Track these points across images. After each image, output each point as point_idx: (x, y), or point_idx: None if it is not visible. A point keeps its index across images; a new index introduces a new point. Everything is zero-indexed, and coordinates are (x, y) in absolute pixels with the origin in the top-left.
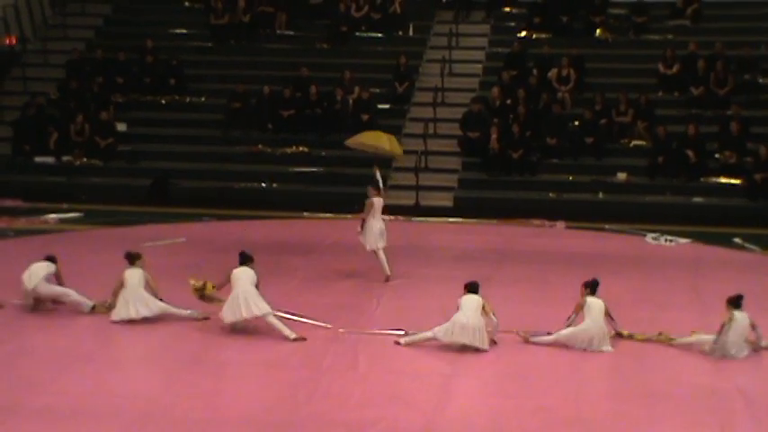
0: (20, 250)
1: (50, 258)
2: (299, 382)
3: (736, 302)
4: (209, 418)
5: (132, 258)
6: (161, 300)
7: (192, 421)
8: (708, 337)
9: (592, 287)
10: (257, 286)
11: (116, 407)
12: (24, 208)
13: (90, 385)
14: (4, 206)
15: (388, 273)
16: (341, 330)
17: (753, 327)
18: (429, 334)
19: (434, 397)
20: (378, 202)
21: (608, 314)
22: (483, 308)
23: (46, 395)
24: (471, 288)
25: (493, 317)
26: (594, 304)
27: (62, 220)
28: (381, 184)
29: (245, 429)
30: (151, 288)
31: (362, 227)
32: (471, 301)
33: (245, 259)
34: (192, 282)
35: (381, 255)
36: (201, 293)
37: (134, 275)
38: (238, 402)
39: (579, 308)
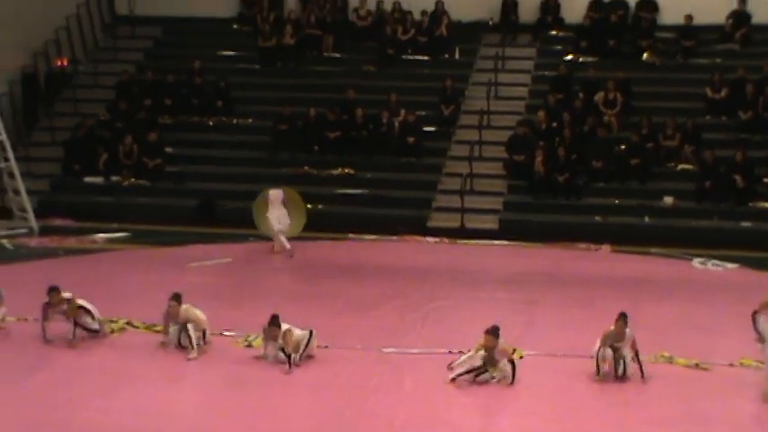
0: (69, 269)
1: (51, 291)
2: (345, 403)
3: None
4: None
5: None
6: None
7: None
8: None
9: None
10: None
11: (159, 426)
12: (73, 227)
13: (134, 404)
14: (54, 225)
15: (288, 247)
16: (386, 351)
17: None
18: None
19: (479, 419)
20: (273, 194)
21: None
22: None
23: (90, 412)
24: (494, 333)
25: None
26: None
27: (110, 240)
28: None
29: None
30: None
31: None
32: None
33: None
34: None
35: (280, 236)
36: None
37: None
38: (283, 422)
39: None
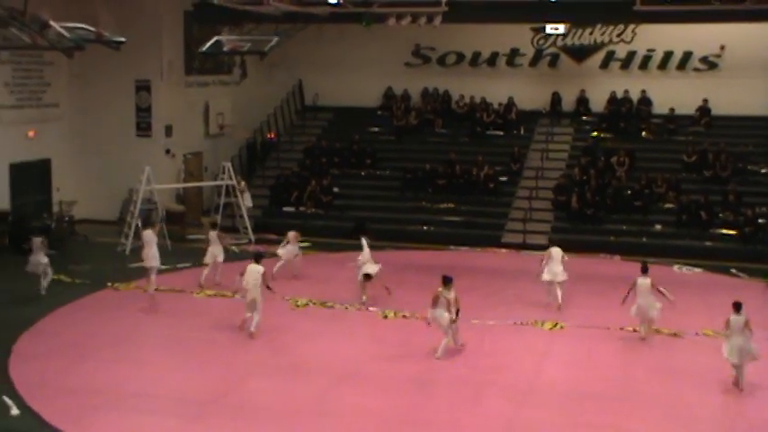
0: (273, 265)
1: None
2: (447, 353)
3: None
4: None
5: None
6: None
7: None
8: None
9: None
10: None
11: None
12: (276, 239)
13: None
14: (264, 238)
15: None
16: (473, 322)
17: (746, 324)
18: None
19: (533, 366)
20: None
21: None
22: None
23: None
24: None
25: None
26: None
27: (299, 248)
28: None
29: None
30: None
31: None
32: None
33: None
34: None
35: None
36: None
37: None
38: (413, 357)
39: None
